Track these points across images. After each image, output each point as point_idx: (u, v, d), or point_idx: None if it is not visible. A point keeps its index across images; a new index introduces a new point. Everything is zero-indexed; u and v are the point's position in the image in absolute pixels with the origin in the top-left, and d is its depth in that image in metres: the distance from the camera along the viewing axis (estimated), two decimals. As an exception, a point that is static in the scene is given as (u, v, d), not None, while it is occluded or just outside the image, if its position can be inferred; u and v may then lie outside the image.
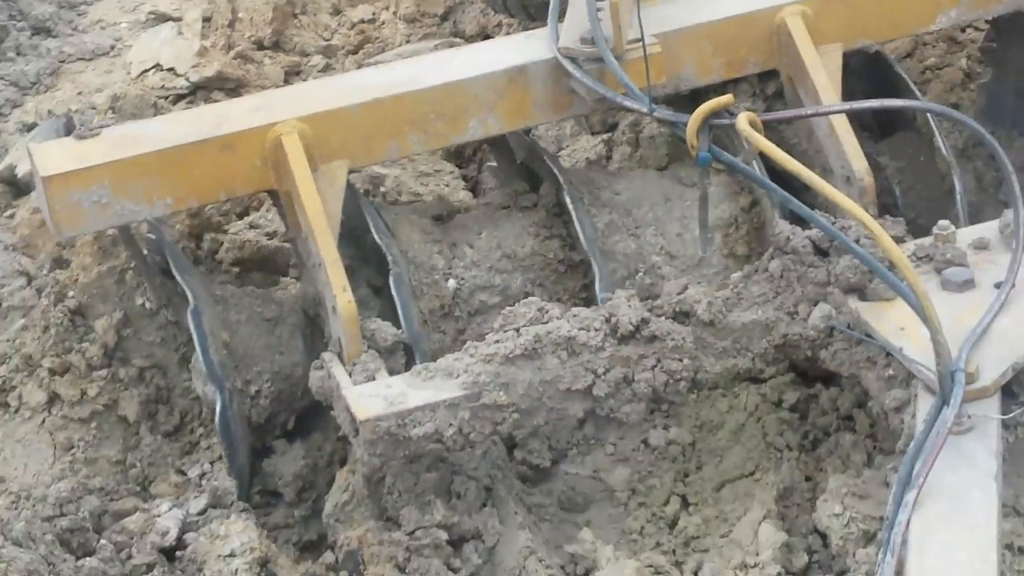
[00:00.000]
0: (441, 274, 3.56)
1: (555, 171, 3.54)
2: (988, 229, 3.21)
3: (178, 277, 3.35)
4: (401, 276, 3.34)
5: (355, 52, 5.31)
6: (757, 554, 3.03)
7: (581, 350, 3.04)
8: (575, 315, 3.11)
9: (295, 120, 3.28)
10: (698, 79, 3.55)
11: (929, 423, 2.72)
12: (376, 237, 3.36)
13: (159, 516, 3.31)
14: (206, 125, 3.33)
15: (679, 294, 3.15)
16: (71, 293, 3.54)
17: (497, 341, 3.07)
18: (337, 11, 5.60)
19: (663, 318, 3.10)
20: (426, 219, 3.70)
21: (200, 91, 4.95)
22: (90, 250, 3.57)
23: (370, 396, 3.01)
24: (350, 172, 3.41)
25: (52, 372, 3.55)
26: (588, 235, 3.43)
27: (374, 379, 3.09)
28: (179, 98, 4.92)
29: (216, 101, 4.80)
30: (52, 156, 3.25)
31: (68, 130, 4.25)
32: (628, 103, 3.32)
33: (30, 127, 4.89)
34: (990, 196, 3.78)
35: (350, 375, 3.11)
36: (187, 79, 5.00)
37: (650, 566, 3.15)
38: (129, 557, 3.22)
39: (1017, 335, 2.93)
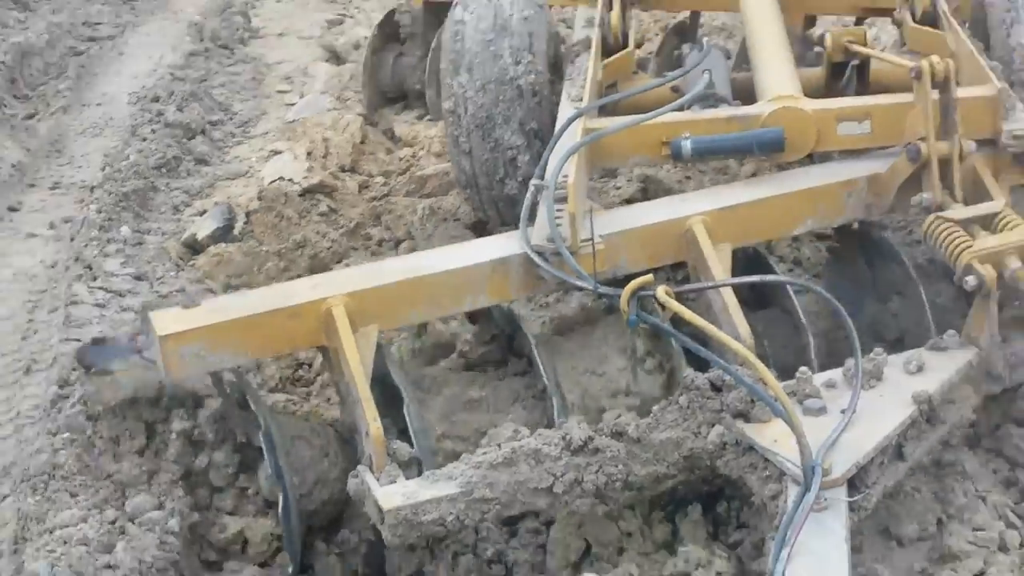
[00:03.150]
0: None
1: (527, 334, 3.57)
2: (835, 373, 3.28)
3: (254, 408, 3.37)
4: (414, 412, 3.36)
5: (403, 173, 5.94)
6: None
7: (544, 459, 3.07)
8: (540, 434, 3.15)
9: (342, 295, 3.32)
10: (630, 267, 3.55)
11: (796, 503, 2.79)
12: (397, 383, 3.40)
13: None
14: (278, 299, 3.40)
15: (615, 419, 3.19)
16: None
17: (484, 453, 3.11)
18: (390, 151, 6.29)
19: (604, 436, 3.11)
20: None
21: (307, 193, 5.69)
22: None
23: (392, 494, 3.03)
24: (380, 332, 3.42)
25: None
26: (549, 377, 3.46)
27: (395, 482, 3.09)
28: (298, 195, 5.63)
29: (320, 200, 5.59)
30: (167, 321, 3.27)
31: (230, 213, 5.41)
32: (580, 283, 3.38)
33: (201, 213, 5.67)
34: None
35: (378, 480, 3.10)
36: (300, 185, 5.76)
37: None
38: None
39: (858, 445, 2.99)
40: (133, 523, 3.35)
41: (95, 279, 5.04)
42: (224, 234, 5.40)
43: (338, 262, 4.98)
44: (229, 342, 3.30)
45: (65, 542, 3.21)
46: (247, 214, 5.51)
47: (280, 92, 7.60)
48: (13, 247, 5.59)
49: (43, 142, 6.83)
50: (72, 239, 5.54)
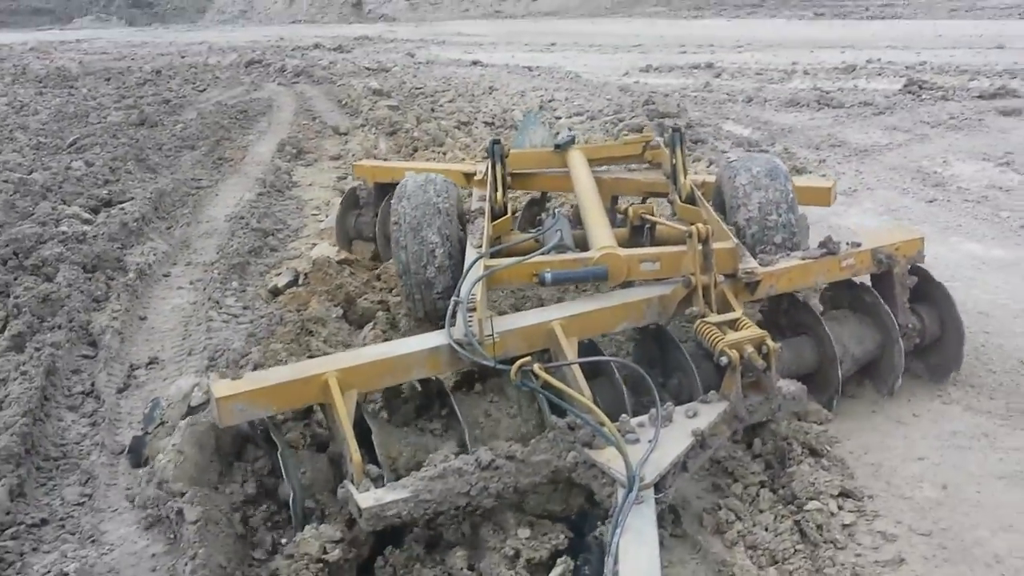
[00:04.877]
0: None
1: (451, 397, 3.52)
2: (644, 418, 3.27)
3: (276, 440, 3.29)
4: (379, 444, 3.27)
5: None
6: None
7: (464, 474, 3.04)
8: (462, 458, 3.11)
9: (334, 370, 3.27)
10: (516, 352, 3.49)
11: (624, 499, 2.84)
12: (370, 426, 3.30)
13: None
14: (293, 373, 3.30)
15: (508, 448, 3.17)
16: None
17: (426, 470, 3.08)
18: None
19: (501, 458, 3.08)
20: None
21: (340, 263, 6.20)
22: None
23: (366, 497, 2.99)
24: (359, 394, 3.31)
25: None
26: (468, 423, 3.42)
27: (368, 491, 3.04)
28: (336, 262, 6.20)
29: (346, 267, 6.15)
30: (220, 387, 3.19)
31: (296, 273, 6.17)
32: (484, 362, 3.41)
33: (278, 274, 6.39)
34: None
35: (357, 489, 3.05)
36: (333, 259, 6.25)
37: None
38: None
39: (660, 462, 3.04)
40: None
41: (220, 309, 5.83)
42: (293, 283, 6.00)
43: (360, 296, 5.40)
44: (262, 401, 3.19)
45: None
46: (305, 274, 6.11)
47: (314, 214, 8.41)
48: (170, 294, 6.29)
49: (177, 241, 7.52)
50: (204, 288, 6.24)
